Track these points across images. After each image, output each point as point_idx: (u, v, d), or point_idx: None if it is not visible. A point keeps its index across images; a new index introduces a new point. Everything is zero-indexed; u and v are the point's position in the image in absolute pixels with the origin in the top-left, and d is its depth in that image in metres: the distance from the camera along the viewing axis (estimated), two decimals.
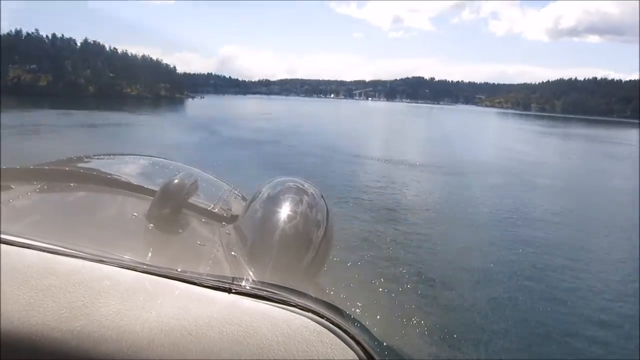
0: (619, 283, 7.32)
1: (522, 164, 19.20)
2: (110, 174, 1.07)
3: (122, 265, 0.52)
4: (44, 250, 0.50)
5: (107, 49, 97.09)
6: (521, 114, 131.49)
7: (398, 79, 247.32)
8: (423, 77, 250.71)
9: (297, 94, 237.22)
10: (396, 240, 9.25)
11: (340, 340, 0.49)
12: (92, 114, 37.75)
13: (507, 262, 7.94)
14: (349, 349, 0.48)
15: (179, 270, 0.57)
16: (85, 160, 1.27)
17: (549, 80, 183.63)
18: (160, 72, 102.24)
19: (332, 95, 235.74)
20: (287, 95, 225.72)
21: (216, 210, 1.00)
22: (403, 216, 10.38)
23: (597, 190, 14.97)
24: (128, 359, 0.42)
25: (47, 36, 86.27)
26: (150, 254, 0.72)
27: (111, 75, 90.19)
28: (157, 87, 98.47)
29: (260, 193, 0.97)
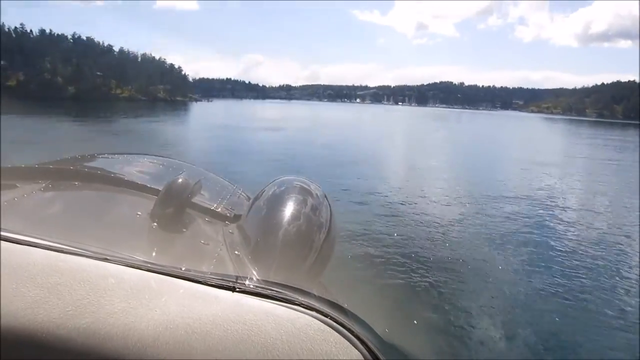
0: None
1: None
2: (114, 173, 1.08)
3: (127, 263, 0.52)
4: (49, 249, 0.51)
5: (101, 45, 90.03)
6: (577, 120, 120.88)
7: (425, 84, 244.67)
8: (452, 82, 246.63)
9: (320, 98, 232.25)
10: (401, 239, 9.24)
11: (344, 339, 0.49)
12: (62, 120, 32.08)
13: (516, 262, 7.90)
14: (353, 348, 0.48)
15: (183, 269, 0.57)
16: (90, 159, 1.28)
17: (603, 84, 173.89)
18: (161, 72, 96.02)
19: (358, 100, 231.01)
20: (309, 99, 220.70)
21: (220, 209, 1.00)
22: (409, 216, 10.35)
23: None
24: (134, 357, 0.42)
25: (16, 29, 79.21)
26: (154, 253, 0.73)
27: (98, 74, 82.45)
28: (155, 88, 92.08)
29: (263, 192, 0.97)
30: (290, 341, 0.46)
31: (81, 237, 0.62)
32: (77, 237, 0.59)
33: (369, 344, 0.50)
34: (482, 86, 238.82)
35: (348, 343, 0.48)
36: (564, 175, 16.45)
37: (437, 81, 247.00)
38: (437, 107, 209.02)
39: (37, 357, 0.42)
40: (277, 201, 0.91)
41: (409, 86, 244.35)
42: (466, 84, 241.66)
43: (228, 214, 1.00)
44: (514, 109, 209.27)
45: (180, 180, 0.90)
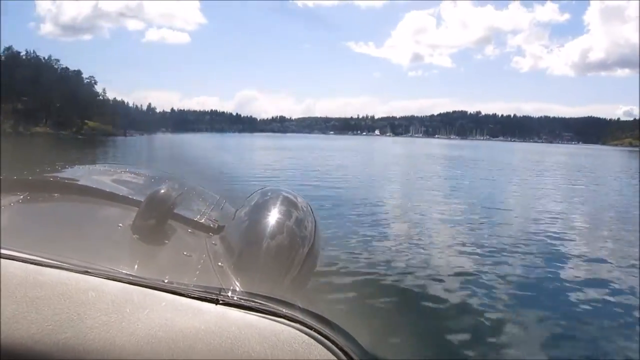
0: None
1: None
2: (95, 184, 1.07)
3: (108, 276, 0.51)
4: (27, 262, 0.50)
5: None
6: None
7: (435, 114, 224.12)
8: (466, 111, 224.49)
9: (323, 131, 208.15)
10: (387, 251, 9.25)
11: (328, 352, 0.48)
12: None
13: (509, 266, 7.97)
14: None
15: (165, 281, 0.56)
16: (70, 170, 1.26)
17: None
18: (92, 103, 79.45)
19: (377, 132, 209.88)
20: (309, 132, 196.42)
21: (203, 220, 1.00)
22: (392, 228, 10.39)
23: None
24: None
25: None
26: (136, 265, 0.71)
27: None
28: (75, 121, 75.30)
29: (247, 203, 0.97)
30: (274, 354, 0.46)
31: (61, 250, 0.61)
32: (56, 250, 0.58)
33: (354, 356, 0.50)
34: (502, 115, 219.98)
35: (332, 356, 0.48)
36: None
37: (450, 110, 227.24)
38: (474, 139, 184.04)
39: None
40: (261, 212, 0.91)
41: (418, 117, 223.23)
42: (483, 112, 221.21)
43: (212, 225, 0.99)
44: (569, 140, 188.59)
45: (162, 191, 0.89)
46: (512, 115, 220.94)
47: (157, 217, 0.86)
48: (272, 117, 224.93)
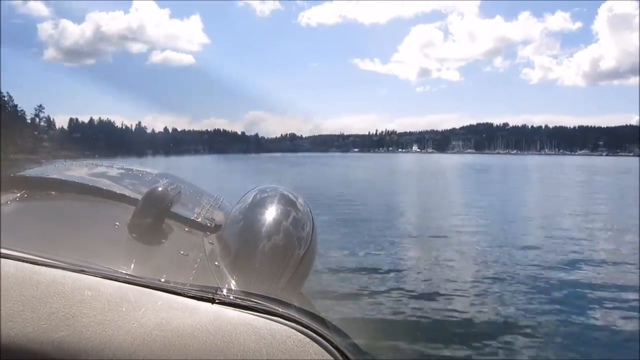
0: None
1: None
2: (92, 182, 1.06)
3: (104, 275, 0.51)
4: (23, 261, 0.49)
5: None
6: None
7: (457, 127, 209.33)
8: (492, 124, 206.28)
9: (342, 148, 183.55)
10: (384, 251, 9.27)
11: (324, 351, 0.49)
12: None
13: (508, 269, 7.97)
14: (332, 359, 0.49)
15: (162, 280, 0.56)
16: (67, 168, 1.25)
17: None
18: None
19: (400, 150, 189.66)
20: (324, 151, 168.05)
21: (200, 219, 0.99)
22: (391, 226, 10.39)
23: None
24: None
25: None
26: (132, 264, 0.71)
27: None
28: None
29: (244, 201, 0.97)
30: (270, 353, 0.46)
31: (57, 249, 0.61)
32: (52, 249, 0.58)
33: (349, 355, 0.50)
34: (531, 127, 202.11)
35: (328, 355, 0.48)
36: None
37: (474, 123, 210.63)
38: (501, 153, 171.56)
39: None
40: (257, 210, 0.91)
41: (435, 131, 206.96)
42: (511, 124, 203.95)
43: (208, 224, 0.98)
44: (593, 151, 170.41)
45: (159, 189, 0.89)
46: (530, 127, 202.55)
47: (154, 216, 0.85)
48: (282, 135, 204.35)
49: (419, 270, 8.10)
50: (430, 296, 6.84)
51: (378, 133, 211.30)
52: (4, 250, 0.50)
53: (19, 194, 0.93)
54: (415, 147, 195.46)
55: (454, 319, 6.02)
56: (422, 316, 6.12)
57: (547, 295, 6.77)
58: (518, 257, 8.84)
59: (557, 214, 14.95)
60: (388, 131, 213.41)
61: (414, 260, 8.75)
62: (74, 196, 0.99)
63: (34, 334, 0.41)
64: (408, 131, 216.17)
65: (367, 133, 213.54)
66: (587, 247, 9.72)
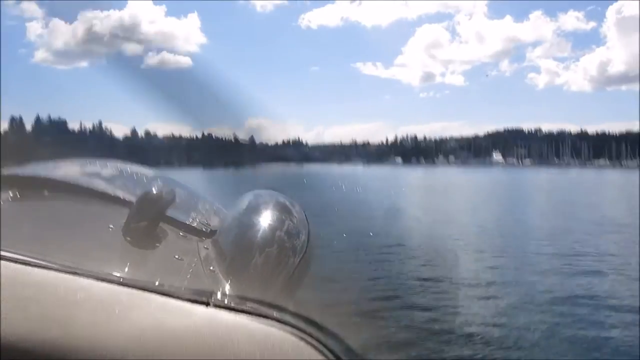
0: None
1: None
2: (86, 182, 1.05)
3: (97, 277, 0.51)
4: (15, 261, 0.49)
5: None
6: None
7: (480, 134, 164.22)
8: (522, 130, 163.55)
9: (389, 161, 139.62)
10: (381, 257, 9.25)
11: (320, 355, 0.48)
12: None
13: (507, 265, 7.91)
14: None
15: (156, 283, 0.56)
16: (61, 166, 1.24)
17: None
18: None
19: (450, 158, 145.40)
20: (338, 161, 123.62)
21: (195, 223, 0.98)
22: (386, 230, 10.39)
23: None
24: None
25: None
26: (126, 267, 0.70)
27: None
28: None
29: (239, 207, 0.96)
30: (264, 356, 0.46)
31: (49, 250, 0.60)
32: (45, 250, 0.57)
33: (345, 359, 0.50)
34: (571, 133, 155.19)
35: (323, 358, 0.48)
36: None
37: (500, 129, 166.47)
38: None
39: None
40: (253, 215, 0.90)
41: (457, 138, 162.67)
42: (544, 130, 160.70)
43: (204, 229, 0.97)
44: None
45: (154, 192, 0.87)
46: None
47: (148, 219, 0.84)
48: (284, 142, 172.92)
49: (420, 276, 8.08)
50: (428, 302, 6.82)
51: (400, 140, 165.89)
52: None
53: (11, 194, 0.91)
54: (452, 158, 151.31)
55: (451, 321, 6.02)
56: (419, 322, 6.10)
57: None
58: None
59: None
60: (422, 138, 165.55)
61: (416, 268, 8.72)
62: (68, 196, 0.98)
63: (25, 335, 0.41)
64: (444, 137, 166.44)
65: (382, 141, 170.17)
66: None
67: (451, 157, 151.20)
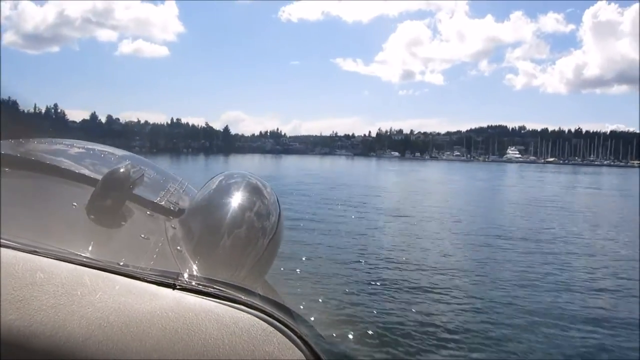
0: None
1: None
2: (49, 160, 1.01)
3: (58, 257, 0.49)
4: None
5: None
6: None
7: (463, 130, 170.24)
8: (506, 126, 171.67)
9: (384, 156, 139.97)
10: (350, 242, 9.35)
11: (288, 340, 0.48)
12: None
13: (492, 258, 8.04)
14: (296, 348, 0.48)
15: (120, 264, 0.55)
16: (24, 144, 1.19)
17: None
18: None
19: (447, 154, 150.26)
20: (319, 153, 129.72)
21: (163, 202, 0.97)
22: (356, 216, 10.49)
23: None
24: (62, 356, 0.39)
25: None
26: (90, 247, 0.68)
27: None
28: None
29: (209, 187, 0.95)
30: (233, 341, 0.45)
31: (8, 228, 0.57)
32: (3, 228, 0.55)
33: (312, 345, 0.50)
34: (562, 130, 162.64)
35: (291, 344, 0.48)
36: None
37: (484, 125, 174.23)
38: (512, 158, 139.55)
39: None
40: (222, 196, 0.89)
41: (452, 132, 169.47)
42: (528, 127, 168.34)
43: (172, 208, 0.96)
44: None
45: (121, 170, 0.85)
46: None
47: (114, 197, 0.82)
48: (262, 133, 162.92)
49: (390, 261, 8.21)
50: (398, 288, 6.98)
51: (393, 133, 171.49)
52: None
53: None
54: (456, 152, 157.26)
55: (418, 311, 6.18)
56: (387, 308, 6.23)
57: None
58: None
59: None
60: (412, 131, 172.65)
61: (387, 251, 8.87)
62: (30, 174, 0.94)
63: None
64: (438, 132, 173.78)
65: (366, 134, 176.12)
66: None
67: (439, 152, 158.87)
